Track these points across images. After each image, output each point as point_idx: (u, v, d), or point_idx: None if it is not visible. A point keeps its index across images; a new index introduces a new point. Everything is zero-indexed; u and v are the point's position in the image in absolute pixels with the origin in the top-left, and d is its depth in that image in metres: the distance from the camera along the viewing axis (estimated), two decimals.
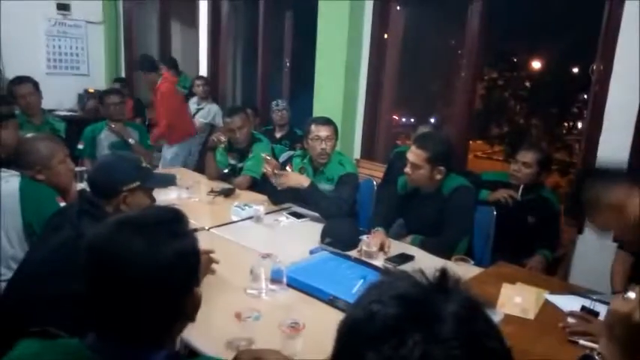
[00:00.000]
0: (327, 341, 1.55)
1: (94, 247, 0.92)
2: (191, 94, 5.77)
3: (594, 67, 3.15)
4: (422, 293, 0.59)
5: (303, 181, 2.80)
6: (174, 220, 0.98)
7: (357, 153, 4.36)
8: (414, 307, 0.57)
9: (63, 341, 0.92)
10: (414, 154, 2.49)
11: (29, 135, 2.38)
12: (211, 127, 5.48)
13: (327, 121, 2.94)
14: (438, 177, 2.49)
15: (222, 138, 3.45)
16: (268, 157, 2.90)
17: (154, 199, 1.80)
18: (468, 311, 0.57)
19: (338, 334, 0.61)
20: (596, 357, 0.99)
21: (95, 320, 0.92)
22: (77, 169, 2.72)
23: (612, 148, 2.94)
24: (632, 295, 0.97)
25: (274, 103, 4.66)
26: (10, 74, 4.91)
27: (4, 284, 1.74)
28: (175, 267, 0.92)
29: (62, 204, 2.04)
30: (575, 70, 6.31)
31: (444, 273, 0.60)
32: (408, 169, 2.51)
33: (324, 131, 2.88)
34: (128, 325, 0.90)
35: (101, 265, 0.90)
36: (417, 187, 2.60)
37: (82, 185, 2.83)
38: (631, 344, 0.96)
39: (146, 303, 0.89)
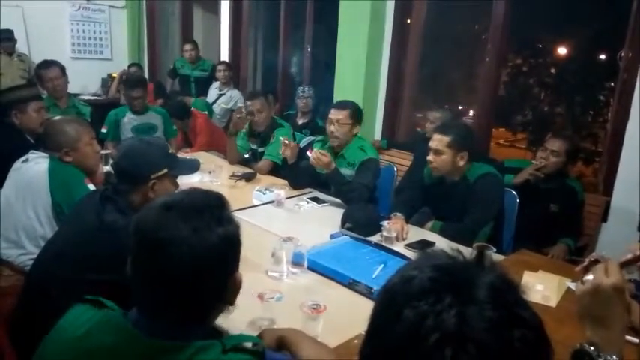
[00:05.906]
0: (346, 323, 1.56)
1: (141, 230, 0.93)
2: (212, 78, 5.79)
3: (622, 54, 3.09)
4: (459, 265, 0.62)
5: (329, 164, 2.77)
6: (219, 205, 0.99)
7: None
8: (451, 273, 0.60)
9: (111, 313, 0.95)
10: (436, 141, 2.46)
11: (57, 117, 2.42)
12: (232, 113, 5.52)
13: (341, 105, 2.96)
14: (461, 163, 2.46)
15: (245, 114, 3.39)
16: (287, 142, 2.91)
17: (177, 185, 1.77)
18: (502, 284, 0.60)
19: (377, 300, 0.64)
20: (587, 347, 0.98)
21: (138, 298, 0.94)
22: (102, 152, 2.77)
23: (639, 138, 2.88)
24: (589, 276, 1.03)
25: (300, 89, 4.60)
26: (36, 59, 4.99)
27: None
28: (219, 252, 0.93)
29: (90, 186, 2.08)
30: (603, 57, 6.15)
31: (480, 252, 0.63)
32: (430, 157, 2.48)
33: (334, 114, 2.90)
34: (170, 305, 0.91)
35: (147, 247, 0.91)
36: (443, 176, 2.55)
37: (108, 168, 2.88)
38: (612, 315, 0.99)
39: (188, 286, 0.90)
